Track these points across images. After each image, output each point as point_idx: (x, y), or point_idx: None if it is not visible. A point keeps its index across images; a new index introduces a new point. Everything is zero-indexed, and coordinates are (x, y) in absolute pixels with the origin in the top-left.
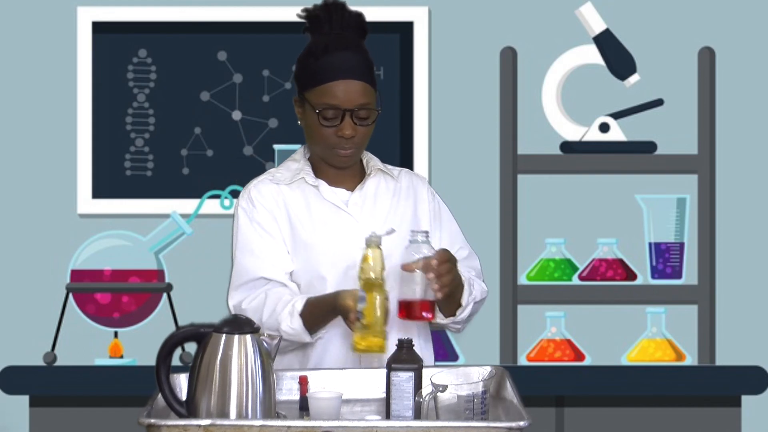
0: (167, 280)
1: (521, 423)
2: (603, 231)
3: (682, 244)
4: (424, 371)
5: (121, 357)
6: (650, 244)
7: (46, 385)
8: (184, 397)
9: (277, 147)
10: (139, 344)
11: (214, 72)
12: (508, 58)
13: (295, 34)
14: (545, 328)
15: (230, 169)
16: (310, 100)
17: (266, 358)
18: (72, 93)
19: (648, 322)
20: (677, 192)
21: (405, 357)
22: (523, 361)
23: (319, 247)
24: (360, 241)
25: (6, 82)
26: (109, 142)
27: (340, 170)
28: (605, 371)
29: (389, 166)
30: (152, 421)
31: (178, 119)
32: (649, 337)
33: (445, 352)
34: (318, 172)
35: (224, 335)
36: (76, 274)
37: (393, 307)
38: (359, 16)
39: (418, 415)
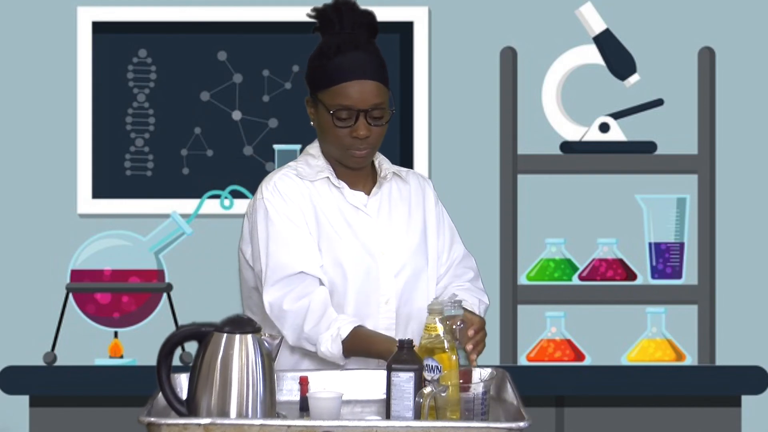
0: (167, 280)
1: (521, 423)
2: (603, 231)
3: (682, 244)
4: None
5: (121, 357)
6: (650, 244)
7: (46, 385)
8: (184, 396)
9: (277, 147)
10: (139, 344)
11: (214, 72)
12: (508, 58)
13: (295, 34)
14: (545, 328)
15: (230, 169)
16: (323, 101)
17: (267, 358)
18: (72, 93)
19: (648, 322)
20: (677, 192)
21: (405, 357)
22: (523, 361)
23: (344, 245)
24: (380, 245)
25: (6, 82)
26: (109, 142)
27: (354, 171)
28: (605, 371)
29: (398, 167)
30: (152, 419)
31: (178, 119)
32: (649, 337)
33: None
34: (337, 172)
35: (225, 335)
36: (76, 274)
37: None
38: (370, 15)
39: (418, 415)
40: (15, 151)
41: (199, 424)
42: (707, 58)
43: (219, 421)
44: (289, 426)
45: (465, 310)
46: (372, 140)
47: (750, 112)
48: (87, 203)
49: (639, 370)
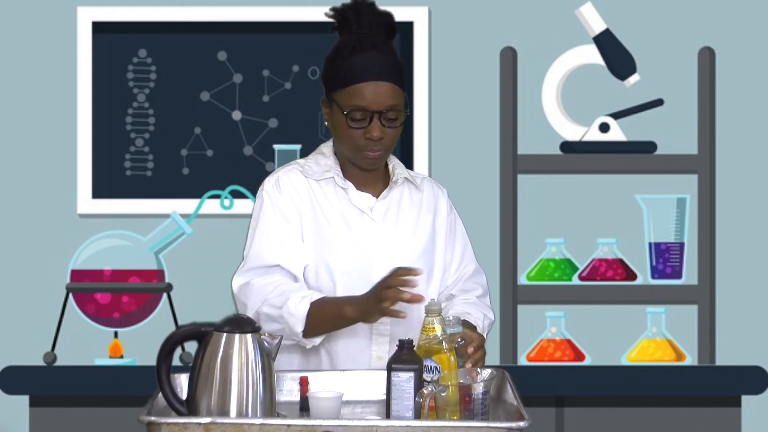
0: (167, 280)
1: (521, 423)
2: (603, 231)
3: (682, 244)
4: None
5: (121, 357)
6: (650, 244)
7: (46, 385)
8: (184, 396)
9: (277, 147)
10: (139, 344)
11: (214, 72)
12: (508, 58)
13: (295, 34)
14: (545, 328)
15: (230, 169)
16: (338, 101)
17: (267, 357)
18: (72, 93)
19: (648, 322)
20: (677, 192)
21: (405, 357)
22: (523, 361)
23: (339, 248)
24: (380, 249)
25: (6, 82)
26: (109, 142)
27: (366, 172)
28: (605, 371)
29: (412, 173)
30: (152, 418)
31: (178, 119)
32: (649, 337)
33: None
34: (345, 173)
35: (225, 334)
36: (76, 274)
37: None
38: (388, 15)
39: (418, 415)
40: (15, 151)
41: (199, 424)
42: (707, 58)
43: (219, 420)
44: (289, 426)
45: (465, 326)
46: (386, 142)
47: (750, 112)
48: (87, 203)
49: (639, 370)
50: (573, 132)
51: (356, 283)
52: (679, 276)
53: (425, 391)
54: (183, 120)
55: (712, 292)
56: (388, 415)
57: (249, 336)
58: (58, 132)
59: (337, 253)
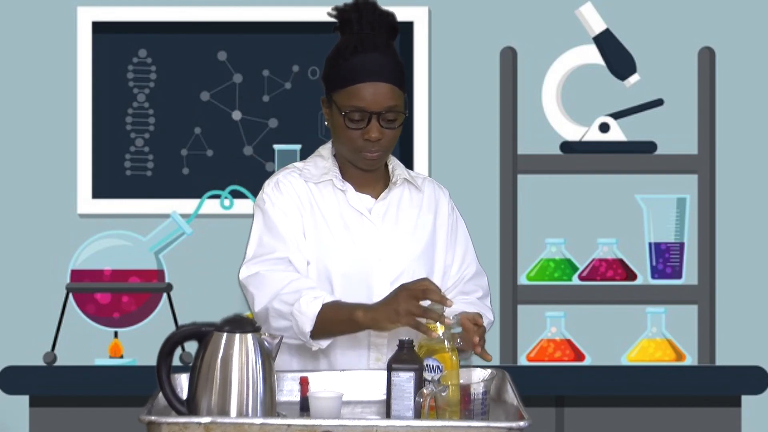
0: (167, 280)
1: (521, 423)
2: (603, 231)
3: (682, 244)
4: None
5: (121, 357)
6: (650, 244)
7: (46, 385)
8: (184, 396)
9: (277, 147)
10: (139, 344)
11: (214, 72)
12: (508, 58)
13: (295, 34)
14: (545, 328)
15: (230, 169)
16: (337, 102)
17: (267, 357)
18: (72, 93)
19: (648, 322)
20: (677, 192)
21: (405, 357)
22: (523, 361)
23: (338, 249)
24: (379, 251)
25: (6, 82)
26: (109, 142)
27: (365, 173)
28: (605, 371)
29: (413, 174)
30: (152, 418)
31: (178, 119)
32: (649, 337)
33: None
34: (344, 174)
35: (225, 334)
36: (76, 274)
37: None
38: (390, 15)
39: (418, 415)
40: (15, 151)
41: (200, 423)
42: (707, 58)
43: (219, 419)
44: (289, 425)
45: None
46: (384, 143)
47: (750, 112)
48: (87, 203)
49: (639, 370)
50: (573, 132)
51: (354, 285)
52: (679, 276)
53: (425, 391)
54: (183, 120)
55: (712, 292)
56: (388, 415)
57: (249, 336)
58: (58, 132)
59: (335, 255)
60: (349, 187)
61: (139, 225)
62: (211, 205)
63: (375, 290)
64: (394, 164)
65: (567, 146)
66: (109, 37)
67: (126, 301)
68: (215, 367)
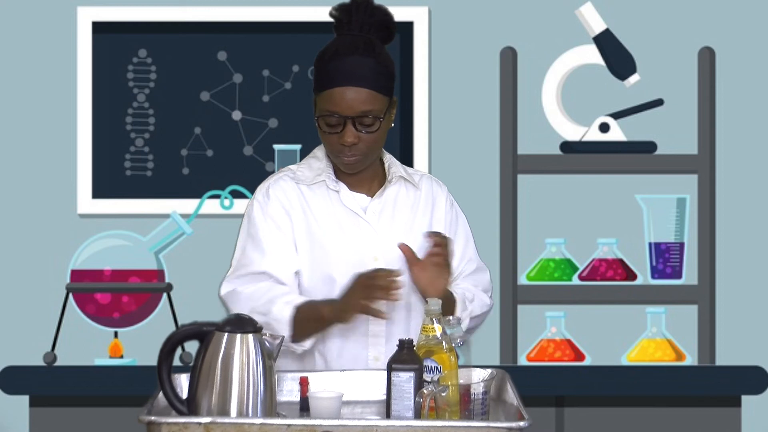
0: (167, 280)
1: (521, 423)
2: (603, 231)
3: (682, 244)
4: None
5: (121, 357)
6: (650, 244)
7: (46, 385)
8: (184, 396)
9: (277, 147)
10: (139, 344)
11: (214, 72)
12: (508, 58)
13: (295, 34)
14: (545, 328)
15: (230, 169)
16: (317, 105)
17: (268, 357)
18: (72, 93)
19: (648, 322)
20: (677, 192)
21: (405, 357)
22: (523, 361)
23: (333, 251)
24: (374, 249)
25: (6, 82)
26: (109, 142)
27: (357, 175)
28: (605, 371)
29: (411, 171)
30: (152, 418)
31: (178, 119)
32: (649, 337)
33: None
34: (339, 174)
35: (226, 334)
36: (76, 274)
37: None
38: (385, 15)
39: (418, 415)
40: (15, 151)
41: (200, 423)
42: (707, 58)
43: (219, 419)
44: (289, 425)
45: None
46: (362, 147)
47: (750, 112)
48: (87, 203)
49: (639, 370)
50: (573, 132)
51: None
52: (679, 276)
53: (425, 391)
54: (183, 120)
55: (712, 292)
56: (388, 415)
57: (250, 336)
58: (58, 132)
59: (331, 257)
60: (342, 186)
61: (139, 225)
62: (211, 205)
63: None
64: (390, 162)
65: (567, 146)
66: (109, 37)
67: (126, 301)
68: (216, 367)
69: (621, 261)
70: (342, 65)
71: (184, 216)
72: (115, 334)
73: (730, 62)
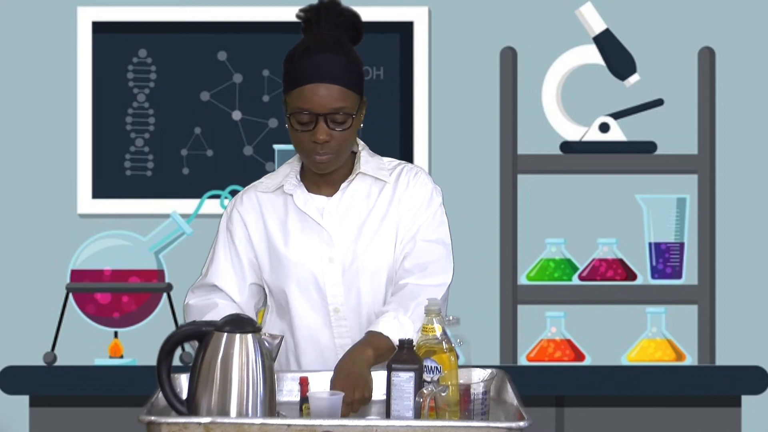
0: (167, 280)
1: (521, 423)
2: (603, 231)
3: (682, 244)
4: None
5: (121, 357)
6: (650, 244)
7: (46, 385)
8: (184, 396)
9: (277, 147)
10: (139, 344)
11: (214, 72)
12: (508, 58)
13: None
14: (545, 328)
15: (230, 169)
16: (287, 104)
17: (267, 357)
18: (72, 93)
19: (648, 322)
20: (677, 192)
21: (405, 357)
22: (523, 361)
23: (287, 260)
24: (328, 251)
25: (6, 82)
26: (109, 142)
27: (324, 175)
28: (605, 371)
29: (387, 163)
30: (152, 418)
31: (178, 119)
32: (649, 337)
33: None
34: (304, 176)
35: (226, 334)
36: (76, 274)
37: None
38: (353, 16)
39: (418, 415)
40: (15, 151)
41: (200, 423)
42: (707, 58)
43: (219, 420)
44: (289, 425)
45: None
46: (333, 145)
47: (750, 112)
48: (87, 203)
49: (639, 370)
50: (573, 132)
51: (309, 288)
52: (679, 276)
53: (425, 391)
54: (183, 120)
55: (712, 292)
56: (388, 415)
57: (249, 336)
58: (58, 132)
59: (286, 264)
60: (299, 190)
61: (139, 225)
62: (211, 205)
63: (328, 292)
64: (359, 158)
65: (567, 146)
66: (109, 37)
67: (126, 301)
68: (215, 367)
69: (621, 261)
70: (313, 63)
71: (184, 216)
72: (115, 334)
73: (730, 62)
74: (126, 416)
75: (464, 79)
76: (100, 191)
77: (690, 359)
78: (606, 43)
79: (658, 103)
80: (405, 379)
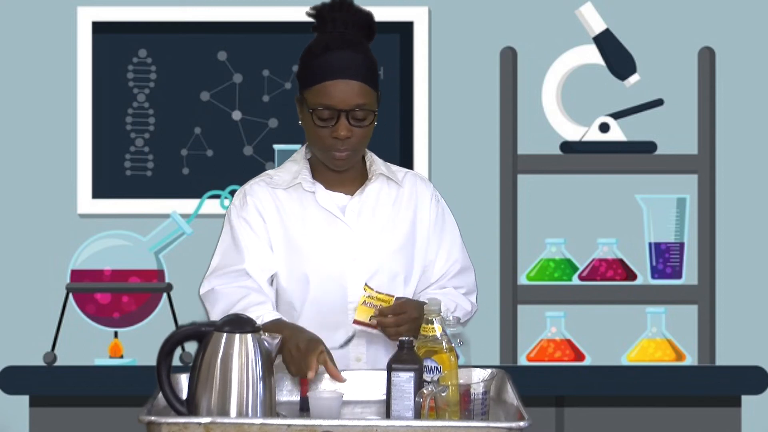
0: (167, 280)
1: (521, 423)
2: (603, 231)
3: (682, 244)
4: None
5: (121, 357)
6: (650, 244)
7: (46, 385)
8: (184, 396)
9: (277, 147)
10: (139, 344)
11: (214, 72)
12: (508, 58)
13: (295, 34)
14: (545, 328)
15: (230, 169)
16: (307, 100)
17: (267, 357)
18: (72, 93)
19: (648, 322)
20: (677, 192)
21: (405, 357)
22: (523, 361)
23: (309, 252)
24: (352, 250)
25: (6, 82)
26: (109, 142)
27: (339, 173)
28: (605, 371)
29: (394, 168)
30: (152, 418)
31: (178, 119)
32: (649, 337)
33: None
34: (317, 174)
35: (225, 334)
36: (76, 274)
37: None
38: (367, 15)
39: (418, 415)
40: (15, 151)
41: (200, 423)
42: (707, 58)
43: (219, 420)
44: (289, 425)
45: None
46: (353, 142)
47: (750, 112)
48: (87, 203)
49: (639, 370)
50: (573, 132)
51: (330, 288)
52: (679, 276)
53: (425, 391)
54: (183, 120)
55: (712, 292)
56: (388, 415)
57: (249, 336)
58: (58, 132)
59: (308, 260)
60: (319, 187)
61: (139, 225)
62: (211, 205)
63: (350, 291)
64: (372, 160)
65: (567, 146)
66: (109, 37)
67: (126, 301)
68: (215, 367)
69: (621, 261)
70: (336, 59)
71: (184, 216)
72: (115, 334)
73: (730, 62)
74: (126, 416)
75: (464, 79)
76: (100, 191)
77: (690, 359)
78: (606, 43)
79: (658, 103)
80: (405, 379)
